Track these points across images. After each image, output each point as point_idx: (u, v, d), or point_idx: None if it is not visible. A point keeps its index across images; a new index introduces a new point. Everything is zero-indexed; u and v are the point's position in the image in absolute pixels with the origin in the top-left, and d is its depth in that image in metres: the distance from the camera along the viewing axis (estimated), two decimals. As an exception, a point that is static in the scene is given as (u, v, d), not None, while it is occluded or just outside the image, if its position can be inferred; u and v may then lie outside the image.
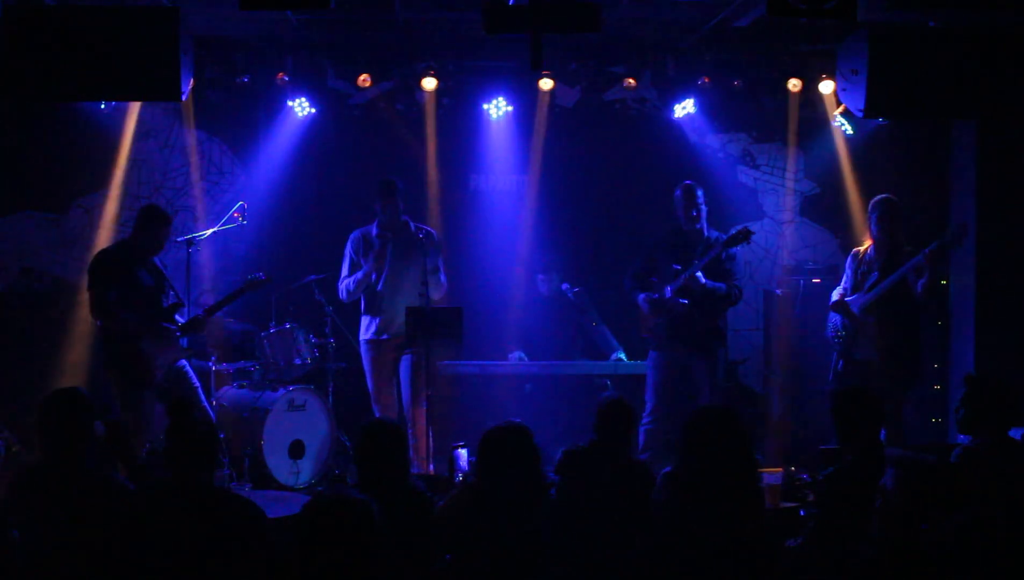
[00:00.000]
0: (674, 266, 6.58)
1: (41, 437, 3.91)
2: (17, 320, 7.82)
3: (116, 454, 4.06)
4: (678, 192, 6.73)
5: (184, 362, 6.42)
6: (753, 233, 6.55)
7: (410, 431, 6.60)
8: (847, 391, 4.45)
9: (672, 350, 6.67)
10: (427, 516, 4.02)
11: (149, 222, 6.28)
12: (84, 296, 7.66)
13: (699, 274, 6.40)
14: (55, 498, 3.76)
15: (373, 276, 6.72)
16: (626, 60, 7.62)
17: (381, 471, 3.95)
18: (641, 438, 6.54)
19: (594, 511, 4.30)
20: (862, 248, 6.51)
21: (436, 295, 6.67)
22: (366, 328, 6.82)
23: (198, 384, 6.45)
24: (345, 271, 6.85)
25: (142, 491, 3.77)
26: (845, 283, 6.51)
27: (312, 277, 7.13)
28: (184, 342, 6.40)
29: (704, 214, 6.69)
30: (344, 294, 6.84)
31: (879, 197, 6.43)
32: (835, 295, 6.50)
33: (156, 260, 6.41)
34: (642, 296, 6.73)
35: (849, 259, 6.58)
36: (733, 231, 6.53)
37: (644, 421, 6.59)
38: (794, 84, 7.58)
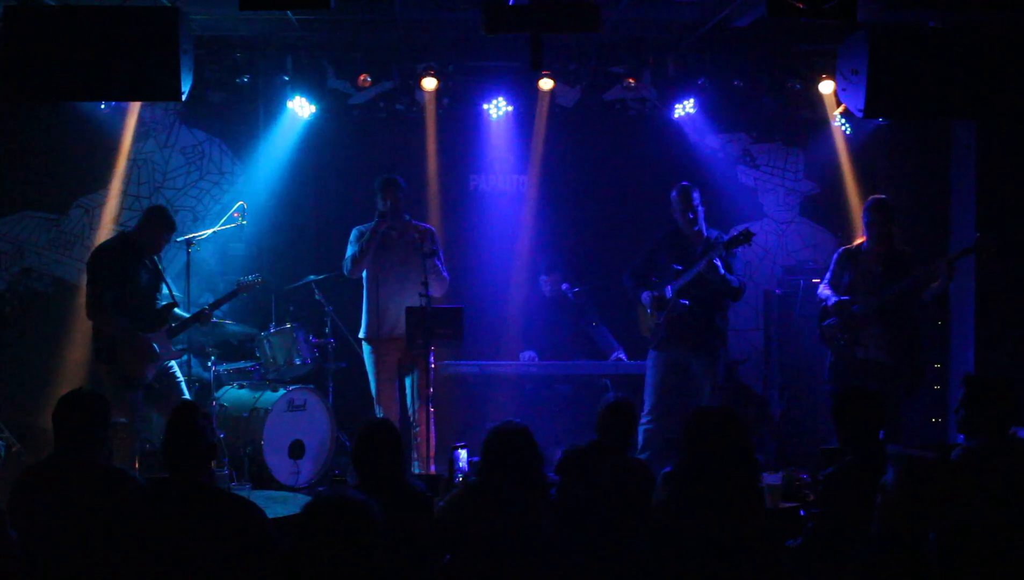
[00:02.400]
0: (675, 266, 6.58)
1: (55, 436, 3.93)
2: (17, 320, 7.83)
3: None
4: (674, 194, 6.72)
5: (172, 363, 6.42)
6: (754, 235, 6.54)
7: (413, 431, 6.60)
8: (848, 391, 4.44)
9: (672, 350, 6.67)
10: (427, 516, 4.02)
11: (152, 224, 6.28)
12: (84, 297, 7.71)
13: (717, 262, 6.41)
14: (63, 496, 3.77)
15: (373, 254, 6.66)
16: (626, 60, 7.62)
17: (378, 471, 3.95)
18: (640, 438, 6.54)
19: (594, 511, 4.30)
20: (853, 246, 6.53)
21: (439, 291, 6.65)
22: (368, 328, 6.81)
23: (183, 386, 6.45)
24: (349, 251, 6.81)
25: (144, 492, 3.78)
26: (832, 280, 6.50)
27: (312, 277, 7.13)
28: (176, 346, 6.40)
29: (702, 214, 6.68)
30: (347, 265, 6.73)
31: (874, 198, 6.46)
32: (823, 290, 6.49)
33: (157, 258, 6.41)
34: (645, 295, 6.74)
35: (838, 257, 6.56)
36: (735, 232, 6.53)
37: (643, 420, 6.59)
38: (794, 84, 7.59)
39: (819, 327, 6.57)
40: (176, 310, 6.44)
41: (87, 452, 3.90)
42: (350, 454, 4.20)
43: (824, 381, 6.57)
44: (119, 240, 6.42)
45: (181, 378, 6.47)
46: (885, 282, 6.26)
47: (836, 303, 6.38)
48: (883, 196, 6.51)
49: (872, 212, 6.36)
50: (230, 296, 6.66)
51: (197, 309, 6.58)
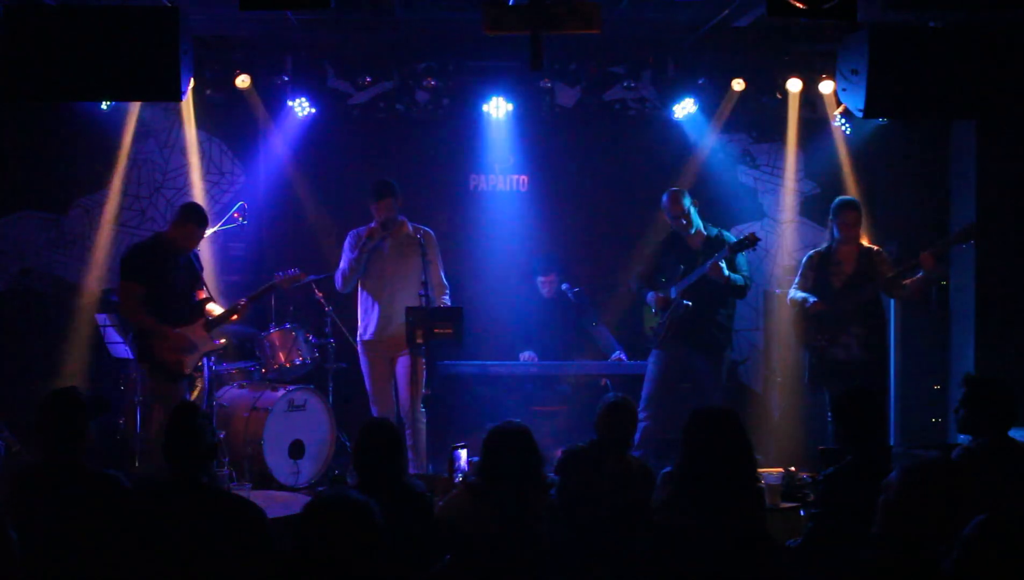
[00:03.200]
0: (680, 267, 6.59)
1: (39, 437, 3.92)
2: (17, 320, 7.82)
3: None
4: (664, 200, 6.74)
5: (205, 359, 6.39)
6: (760, 240, 6.56)
7: (408, 431, 6.59)
8: (848, 391, 4.45)
9: (675, 349, 6.67)
10: (427, 516, 4.02)
11: (184, 221, 6.21)
12: (84, 297, 7.73)
13: (722, 263, 6.41)
14: (54, 498, 3.76)
15: (364, 267, 6.68)
16: (626, 60, 7.62)
17: (378, 471, 3.95)
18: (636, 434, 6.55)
19: (594, 511, 4.30)
20: (822, 248, 6.57)
21: (444, 297, 6.70)
22: (364, 329, 6.81)
23: (207, 385, 6.44)
24: (342, 264, 6.83)
25: (143, 491, 3.77)
26: (801, 282, 6.54)
27: (312, 277, 7.13)
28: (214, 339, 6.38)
29: (695, 216, 6.69)
30: (338, 281, 6.81)
31: (842, 199, 6.56)
32: (796, 293, 6.52)
33: (192, 254, 6.36)
34: (650, 295, 6.74)
35: (807, 259, 6.63)
36: (741, 236, 6.53)
37: (639, 416, 6.58)
38: (794, 84, 7.59)
39: (795, 330, 6.60)
40: (211, 305, 6.40)
41: (78, 455, 3.88)
42: (350, 454, 4.20)
43: (804, 384, 6.61)
44: (153, 239, 6.32)
45: (207, 374, 6.43)
46: (857, 281, 6.31)
47: (813, 305, 6.40)
48: (851, 197, 6.62)
49: (842, 213, 6.42)
50: (267, 290, 6.61)
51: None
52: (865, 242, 6.52)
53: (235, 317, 6.40)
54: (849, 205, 6.47)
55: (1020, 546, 2.48)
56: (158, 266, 6.11)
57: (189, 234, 6.20)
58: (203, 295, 6.38)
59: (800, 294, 6.50)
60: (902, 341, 7.60)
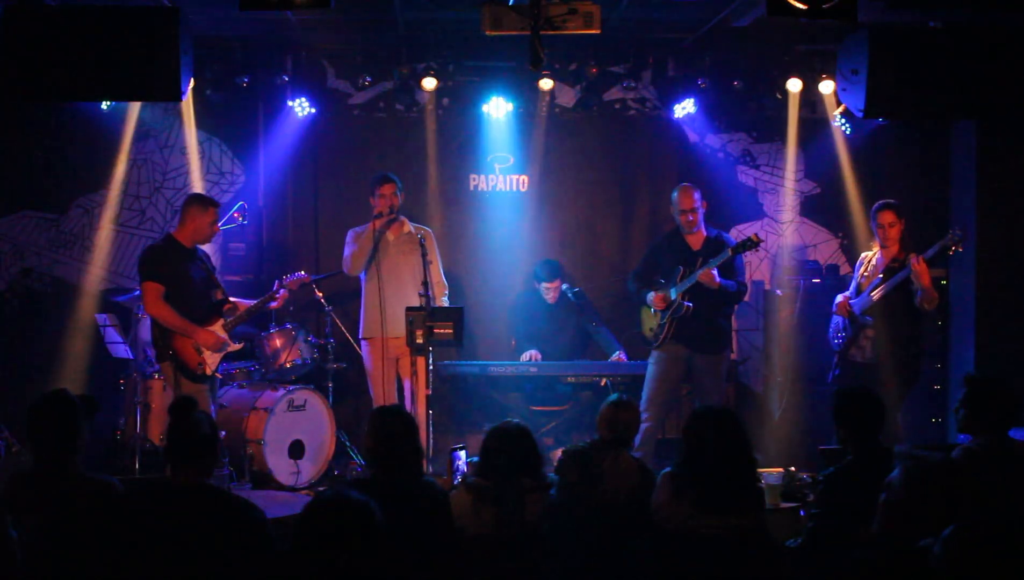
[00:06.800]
0: (679, 268, 6.58)
1: (31, 442, 3.90)
2: (17, 320, 7.83)
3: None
4: (674, 194, 6.71)
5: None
6: (762, 241, 6.54)
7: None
8: (848, 391, 4.45)
9: (674, 350, 6.66)
10: (443, 509, 3.93)
11: (191, 211, 6.13)
12: (84, 297, 7.73)
13: (715, 271, 6.40)
14: (48, 501, 3.74)
15: (372, 253, 6.67)
16: (626, 60, 7.62)
17: (396, 458, 3.84)
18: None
19: (594, 511, 4.30)
20: (871, 253, 6.54)
21: (443, 297, 6.70)
22: (365, 328, 6.82)
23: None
24: (345, 253, 6.83)
25: (142, 491, 3.77)
26: (852, 287, 6.54)
27: (313, 277, 7.13)
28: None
29: (702, 215, 6.67)
30: (345, 266, 6.79)
31: (880, 202, 6.45)
32: (839, 298, 6.52)
33: (203, 256, 6.31)
34: (650, 296, 6.73)
35: (857, 263, 6.63)
36: (743, 238, 6.52)
37: (640, 417, 6.57)
38: (794, 84, 7.59)
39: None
40: (235, 300, 6.35)
41: (71, 458, 3.86)
42: (350, 454, 4.18)
43: (826, 383, 6.59)
44: (165, 240, 6.22)
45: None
46: (882, 284, 6.28)
47: (838, 305, 6.42)
48: (889, 200, 6.49)
49: (875, 215, 6.39)
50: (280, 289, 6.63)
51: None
52: (906, 244, 6.33)
53: (275, 305, 6.38)
54: (881, 206, 6.37)
55: (992, 551, 2.49)
56: (174, 265, 6.05)
57: (198, 223, 6.11)
58: (220, 295, 6.32)
59: (840, 295, 6.53)
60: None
